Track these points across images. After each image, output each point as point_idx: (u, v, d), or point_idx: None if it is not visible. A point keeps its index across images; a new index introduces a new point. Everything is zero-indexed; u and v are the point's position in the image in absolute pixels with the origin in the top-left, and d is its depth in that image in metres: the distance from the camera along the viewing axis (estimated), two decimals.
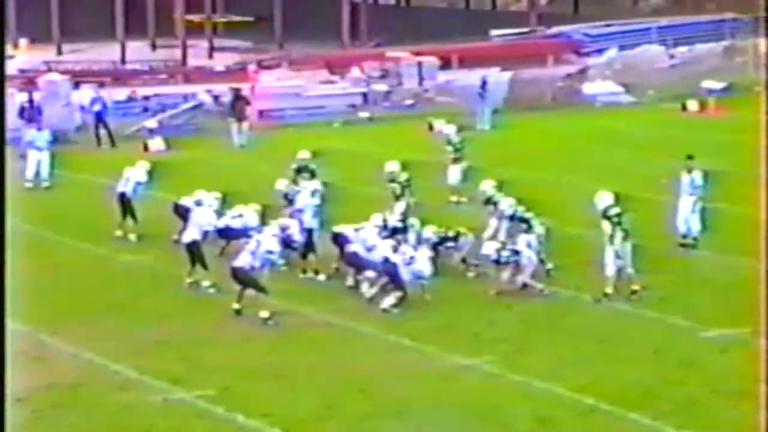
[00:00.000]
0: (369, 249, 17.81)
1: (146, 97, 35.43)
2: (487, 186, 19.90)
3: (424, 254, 17.66)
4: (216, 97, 34.40)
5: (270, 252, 16.99)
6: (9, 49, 45.76)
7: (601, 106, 36.56)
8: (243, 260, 16.88)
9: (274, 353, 15.69)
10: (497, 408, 13.73)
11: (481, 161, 25.16)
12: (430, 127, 32.27)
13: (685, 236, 20.00)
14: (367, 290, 17.53)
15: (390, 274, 17.25)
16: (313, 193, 19.54)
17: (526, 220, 18.53)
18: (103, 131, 31.48)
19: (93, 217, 22.78)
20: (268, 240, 17.18)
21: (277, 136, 31.89)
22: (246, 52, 45.88)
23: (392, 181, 20.62)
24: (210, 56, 45.66)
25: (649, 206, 22.48)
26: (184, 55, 43.69)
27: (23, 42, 46.79)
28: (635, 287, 17.30)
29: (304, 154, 22.30)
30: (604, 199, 17.79)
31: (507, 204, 19.16)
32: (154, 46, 47.75)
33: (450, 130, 24.93)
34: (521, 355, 15.44)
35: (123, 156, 29.57)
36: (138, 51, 45.39)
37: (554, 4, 53.86)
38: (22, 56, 44.73)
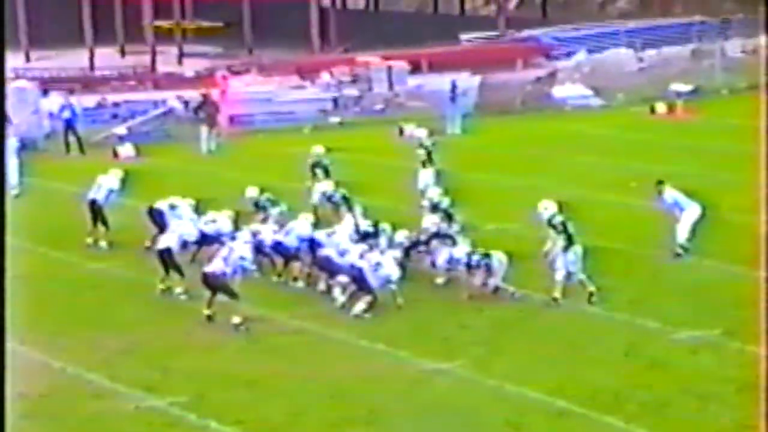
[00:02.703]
0: (341, 254, 17.83)
1: (116, 104, 35.30)
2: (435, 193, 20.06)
3: (391, 258, 17.68)
4: (186, 103, 34.32)
5: (243, 258, 17.00)
6: None
7: (571, 110, 36.70)
8: (215, 266, 16.88)
9: (245, 359, 15.68)
10: (469, 412, 13.77)
11: (452, 165, 25.21)
12: (401, 132, 32.31)
13: (682, 246, 19.81)
14: (339, 295, 17.54)
15: (357, 279, 17.28)
16: (326, 196, 19.67)
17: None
18: (72, 138, 31.36)
19: (62, 225, 22.68)
20: (240, 246, 17.19)
21: (247, 141, 31.86)
22: (216, 57, 45.80)
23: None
24: (179, 62, 45.54)
25: (617, 209, 22.60)
26: (153, 62, 43.58)
27: None
28: (591, 289, 17.35)
29: (318, 150, 22.40)
30: (548, 208, 17.88)
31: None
32: (123, 53, 47.59)
33: (422, 133, 24.99)
34: (493, 358, 15.48)
35: (92, 163, 29.50)
36: (107, 57, 45.23)
37: (522, 9, 54.03)
38: None
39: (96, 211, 21.14)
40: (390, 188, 21.78)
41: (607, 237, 18.88)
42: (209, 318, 16.89)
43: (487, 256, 17.70)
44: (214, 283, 16.81)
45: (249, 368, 15.29)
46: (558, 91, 38.08)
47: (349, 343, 16.18)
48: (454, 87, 34.07)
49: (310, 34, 46.20)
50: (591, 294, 17.34)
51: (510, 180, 25.73)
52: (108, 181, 21.45)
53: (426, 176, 23.59)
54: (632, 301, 17.56)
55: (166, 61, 44.54)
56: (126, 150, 30.94)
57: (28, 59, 45.90)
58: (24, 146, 28.32)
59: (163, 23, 47.51)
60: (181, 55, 46.26)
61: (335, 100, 36.35)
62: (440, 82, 35.69)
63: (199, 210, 19.96)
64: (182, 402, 14.11)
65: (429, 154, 23.96)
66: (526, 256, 18.82)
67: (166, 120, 34.38)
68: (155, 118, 34.49)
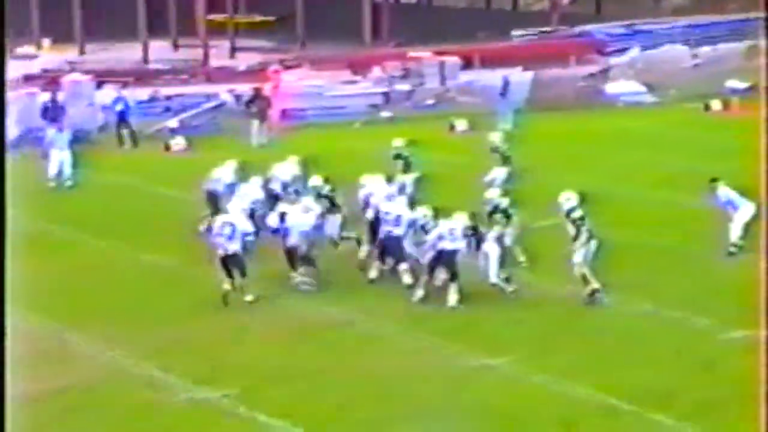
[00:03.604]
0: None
1: (168, 97, 35.51)
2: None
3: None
4: (238, 97, 34.45)
5: (246, 234, 17.23)
6: (32, 49, 45.98)
7: (624, 106, 36.46)
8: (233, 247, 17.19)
9: (296, 353, 15.72)
10: (519, 410, 13.73)
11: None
12: (452, 127, 32.24)
13: (735, 244, 19.65)
14: (408, 279, 17.60)
15: (448, 266, 17.23)
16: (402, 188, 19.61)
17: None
18: (125, 131, 31.59)
19: (114, 217, 22.86)
20: (241, 222, 17.52)
21: (298, 135, 31.93)
22: (268, 51, 45.92)
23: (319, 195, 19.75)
24: (232, 56, 45.72)
25: (670, 207, 22.42)
26: (206, 55, 43.77)
27: (46, 42, 46.96)
28: (595, 286, 17.11)
29: (397, 143, 22.40)
30: (570, 199, 17.61)
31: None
32: (176, 46, 47.85)
33: (496, 137, 24.48)
34: (543, 355, 15.41)
35: (144, 155, 29.74)
36: (160, 51, 45.50)
37: (576, 4, 53.72)
38: (45, 56, 44.90)
39: (214, 202, 21.06)
40: (441, 183, 21.72)
41: (660, 234, 18.74)
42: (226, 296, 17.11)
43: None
44: (232, 263, 17.16)
45: (299, 362, 15.34)
46: (611, 88, 37.83)
47: (398, 338, 16.18)
48: (506, 82, 33.94)
49: (363, 28, 46.22)
50: (594, 291, 17.10)
51: (561, 176, 25.56)
52: (224, 173, 21.49)
53: (497, 175, 23.16)
54: (684, 300, 17.42)
55: (219, 55, 44.74)
56: (177, 143, 31.12)
57: (82, 52, 46.29)
58: (77, 138, 28.59)
59: (217, 17, 47.72)
60: (234, 49, 46.44)
61: (386, 95, 36.32)
62: (492, 77, 35.58)
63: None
64: (233, 394, 14.18)
65: (506, 158, 23.45)
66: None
67: (217, 113, 34.53)
68: (207, 111, 34.65)
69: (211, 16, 46.63)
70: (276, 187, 20.81)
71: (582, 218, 17.26)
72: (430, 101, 36.59)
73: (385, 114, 35.19)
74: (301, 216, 18.28)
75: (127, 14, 46.65)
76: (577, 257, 17.15)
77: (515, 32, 44.98)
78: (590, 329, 16.42)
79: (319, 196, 19.45)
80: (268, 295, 17.74)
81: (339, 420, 13.64)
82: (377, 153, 23.71)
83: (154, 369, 15.04)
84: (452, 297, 17.20)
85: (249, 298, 17.29)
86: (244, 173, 21.09)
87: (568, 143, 30.58)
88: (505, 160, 23.03)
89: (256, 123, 31.56)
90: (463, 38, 42.03)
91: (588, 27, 44.72)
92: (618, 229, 19.73)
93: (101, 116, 32.57)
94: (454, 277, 17.27)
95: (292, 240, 18.06)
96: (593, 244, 17.19)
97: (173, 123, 32.73)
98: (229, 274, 17.33)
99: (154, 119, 33.39)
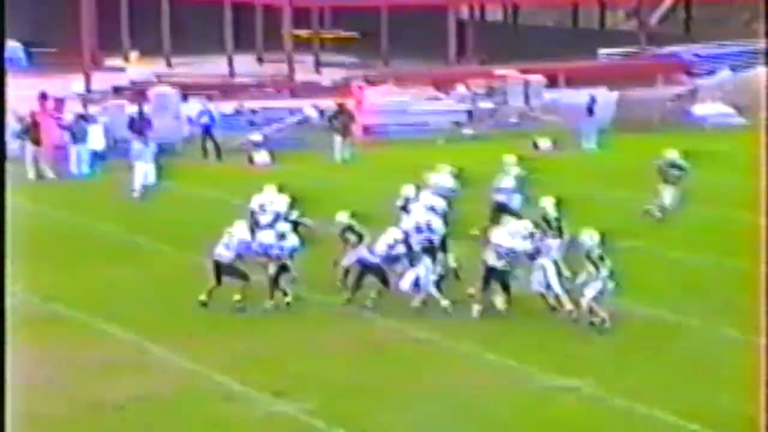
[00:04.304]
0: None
1: (253, 111, 35.78)
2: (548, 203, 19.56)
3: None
4: (321, 112, 34.62)
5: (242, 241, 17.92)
6: (120, 62, 46.64)
7: (711, 128, 35.98)
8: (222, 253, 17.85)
9: (371, 367, 15.70)
10: None
11: (586, 180, 24.91)
12: (535, 146, 32.06)
13: None
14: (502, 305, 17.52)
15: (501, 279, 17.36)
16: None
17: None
18: (209, 143, 31.87)
19: (198, 229, 23.01)
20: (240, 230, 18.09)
21: (380, 151, 31.97)
22: (352, 67, 46.13)
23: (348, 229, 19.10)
24: (316, 71, 46.00)
25: (755, 229, 22.01)
26: (291, 70, 44.09)
27: (134, 55, 47.63)
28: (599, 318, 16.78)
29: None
30: (593, 237, 17.11)
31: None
32: (261, 60, 48.25)
33: (673, 155, 24.28)
34: (620, 377, 15.21)
35: (228, 169, 29.96)
36: (246, 65, 45.91)
37: (665, 25, 53.23)
38: (132, 68, 45.53)
39: (500, 211, 21.27)
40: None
41: (746, 257, 18.39)
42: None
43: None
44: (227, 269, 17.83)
45: (375, 377, 15.30)
46: (699, 109, 37.37)
47: (474, 355, 16.08)
48: (592, 101, 33.69)
49: (447, 45, 46.19)
50: (603, 321, 16.75)
51: (644, 196, 25.28)
52: (507, 181, 21.74)
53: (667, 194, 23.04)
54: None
55: (304, 70, 45.01)
56: (261, 156, 31.32)
57: (169, 65, 46.85)
58: (163, 150, 28.91)
59: (302, 32, 48.03)
60: (318, 64, 46.70)
61: (470, 113, 36.25)
62: (576, 96, 35.34)
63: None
64: (310, 408, 14.17)
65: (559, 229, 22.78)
66: (656, 273, 18.47)
67: (301, 128, 34.72)
68: (291, 125, 34.86)
69: (297, 31, 46.92)
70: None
71: (601, 258, 16.94)
72: (514, 119, 36.45)
73: (468, 131, 35.11)
74: None
75: (213, 28, 47.16)
76: (589, 292, 16.86)
77: (601, 51, 44.67)
78: (669, 351, 16.17)
79: None
80: (346, 311, 17.75)
81: None
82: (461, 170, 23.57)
83: (232, 381, 15.09)
84: (499, 300, 17.38)
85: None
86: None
87: (651, 163, 30.20)
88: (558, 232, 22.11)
89: (339, 138, 31.66)
90: (549, 57, 41.83)
91: (676, 48, 44.27)
92: (700, 251, 19.46)
93: (186, 128, 32.91)
94: (506, 288, 17.45)
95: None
96: (610, 285, 16.88)
97: (257, 136, 32.95)
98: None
99: (238, 132, 33.65)
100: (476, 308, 17.48)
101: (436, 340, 16.67)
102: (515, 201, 21.72)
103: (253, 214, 19.88)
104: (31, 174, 28.71)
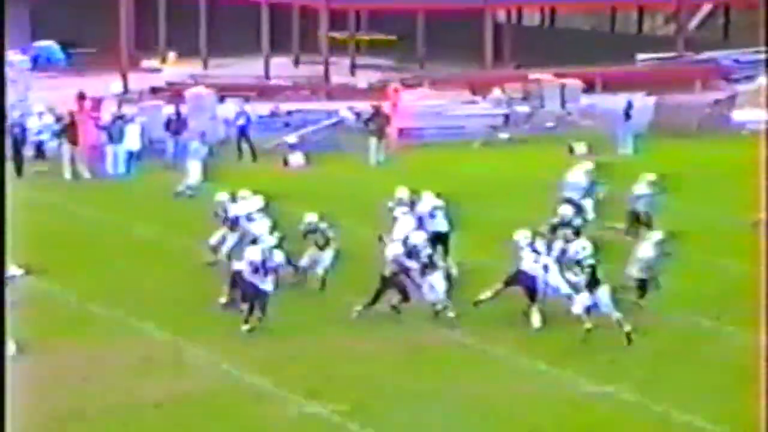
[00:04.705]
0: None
1: (289, 113, 35.84)
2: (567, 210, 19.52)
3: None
4: (357, 114, 34.61)
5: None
6: (157, 63, 46.85)
7: (749, 134, 35.73)
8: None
9: (405, 370, 15.67)
10: None
11: (621, 185, 24.74)
12: (571, 150, 31.94)
13: None
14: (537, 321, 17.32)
15: (529, 289, 17.19)
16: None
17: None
18: (245, 145, 31.93)
19: None
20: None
21: (416, 154, 31.93)
22: (388, 70, 46.13)
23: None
24: (352, 73, 46.03)
25: None
26: (327, 72, 44.14)
27: (171, 55, 47.82)
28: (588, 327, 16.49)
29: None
30: (586, 248, 17.01)
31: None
32: (297, 63, 48.34)
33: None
34: (658, 383, 15.12)
35: (263, 170, 30.01)
36: (282, 67, 45.98)
37: (703, 30, 52.94)
38: (169, 69, 45.72)
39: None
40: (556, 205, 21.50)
41: None
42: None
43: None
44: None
45: (409, 380, 15.28)
46: (737, 115, 37.13)
47: (510, 360, 16.02)
48: (629, 106, 33.54)
49: (483, 48, 46.11)
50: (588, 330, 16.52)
51: (679, 203, 25.14)
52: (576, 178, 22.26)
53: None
54: None
55: (339, 72, 45.05)
56: (296, 158, 31.35)
57: (206, 66, 47.01)
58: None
59: (338, 35, 48.08)
60: (354, 67, 46.73)
61: (506, 116, 36.16)
62: (613, 101, 35.19)
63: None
64: (344, 410, 14.16)
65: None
66: (691, 279, 18.38)
67: (336, 130, 34.73)
68: (326, 128, 34.88)
69: (333, 34, 46.98)
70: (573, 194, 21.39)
71: (592, 267, 16.76)
72: (550, 123, 36.33)
73: (503, 135, 35.03)
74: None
75: (250, 30, 47.28)
76: (579, 303, 16.65)
77: (639, 56, 44.47)
78: (705, 357, 16.07)
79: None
80: (385, 315, 17.74)
81: None
82: (496, 173, 23.57)
83: (267, 382, 15.11)
84: (535, 318, 17.13)
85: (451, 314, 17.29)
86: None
87: (690, 169, 30.04)
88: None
89: (374, 140, 31.65)
90: (586, 61, 41.68)
91: (715, 53, 44.02)
92: (737, 258, 19.34)
93: (222, 130, 32.99)
94: (533, 299, 17.21)
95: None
96: (604, 289, 16.70)
97: (292, 138, 32.98)
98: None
99: (274, 134, 33.70)
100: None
101: (472, 344, 16.61)
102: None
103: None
104: (67, 174, 28.86)
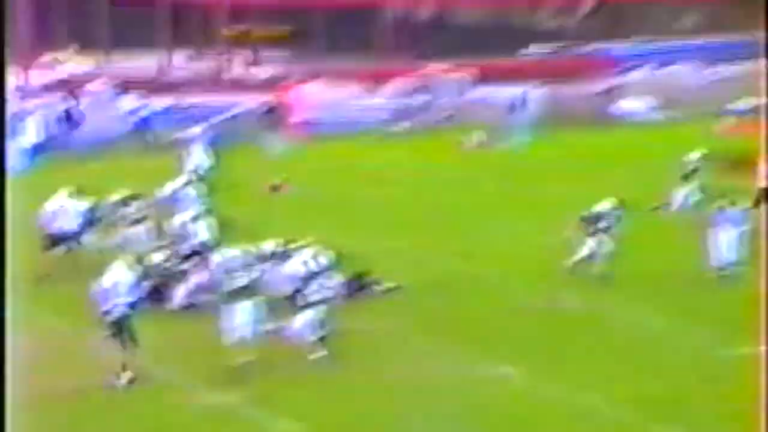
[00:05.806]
0: None
1: (189, 106, 36.06)
2: None
3: None
4: (256, 107, 35.00)
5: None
6: (57, 57, 46.58)
7: (634, 124, 36.91)
8: None
9: None
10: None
11: (512, 177, 25.46)
12: (464, 142, 32.81)
13: (722, 268, 20.05)
14: None
15: None
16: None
17: None
18: (146, 138, 32.11)
19: None
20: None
21: (314, 146, 32.45)
22: (287, 63, 46.48)
23: None
24: (251, 67, 46.24)
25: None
26: (227, 66, 44.29)
27: (71, 50, 47.58)
28: None
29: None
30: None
31: None
32: (197, 56, 48.38)
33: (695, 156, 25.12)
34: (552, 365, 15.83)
35: (165, 163, 30.24)
36: (182, 60, 46.04)
37: (590, 21, 54.10)
38: (69, 64, 45.54)
39: None
40: (452, 197, 22.20)
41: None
42: None
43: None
44: None
45: None
46: (624, 105, 38.32)
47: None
48: (519, 98, 34.46)
49: (380, 42, 46.72)
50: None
51: (570, 191, 25.95)
52: None
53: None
54: (691, 312, 17.73)
55: (239, 66, 45.27)
56: (197, 151, 31.60)
57: (106, 61, 46.87)
58: (99, 146, 29.12)
59: (235, 28, 48.25)
60: (253, 60, 46.95)
61: (402, 109, 36.87)
62: (505, 93, 36.10)
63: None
64: None
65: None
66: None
67: (236, 123, 35.02)
68: (225, 120, 35.15)
69: (231, 28, 47.19)
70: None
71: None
72: (445, 115, 37.14)
73: (400, 127, 35.75)
74: None
75: (151, 24, 47.29)
76: None
77: (529, 48, 45.42)
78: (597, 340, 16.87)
79: None
80: None
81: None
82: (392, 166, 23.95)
83: None
84: None
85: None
86: None
87: (578, 159, 30.98)
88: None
89: (272, 134, 32.08)
90: (480, 54, 42.52)
91: (602, 45, 45.11)
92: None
93: (123, 124, 33.14)
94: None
95: None
96: None
97: (194, 131, 33.27)
98: None
99: (174, 127, 33.93)
100: None
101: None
102: None
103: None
104: None
